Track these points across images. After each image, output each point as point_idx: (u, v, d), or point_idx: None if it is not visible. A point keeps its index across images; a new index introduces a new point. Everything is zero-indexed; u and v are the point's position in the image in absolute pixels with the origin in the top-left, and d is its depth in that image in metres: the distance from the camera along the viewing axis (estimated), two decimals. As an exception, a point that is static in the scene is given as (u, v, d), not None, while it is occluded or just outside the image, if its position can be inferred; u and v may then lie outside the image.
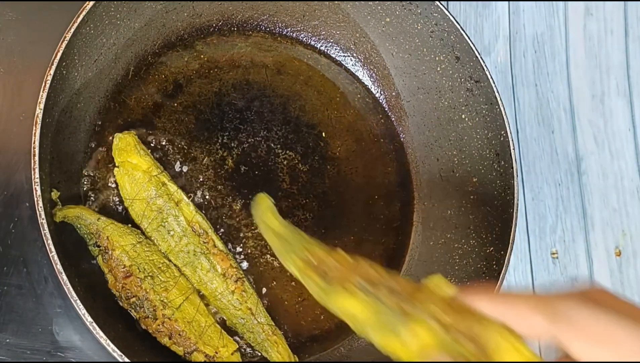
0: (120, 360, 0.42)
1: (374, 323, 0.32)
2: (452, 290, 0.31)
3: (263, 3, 0.59)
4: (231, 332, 0.51)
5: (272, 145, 0.57)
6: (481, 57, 0.54)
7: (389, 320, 0.31)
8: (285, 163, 0.57)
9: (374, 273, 0.34)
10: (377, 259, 0.57)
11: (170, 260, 0.50)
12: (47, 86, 0.44)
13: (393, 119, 0.62)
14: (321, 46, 0.62)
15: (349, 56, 0.62)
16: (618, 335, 0.25)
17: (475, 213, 0.55)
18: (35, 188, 0.43)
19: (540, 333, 0.27)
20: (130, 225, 0.50)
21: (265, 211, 0.44)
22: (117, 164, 0.50)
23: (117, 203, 0.51)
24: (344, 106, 0.61)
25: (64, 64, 0.46)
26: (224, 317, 0.50)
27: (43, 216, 0.42)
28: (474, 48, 0.54)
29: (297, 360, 0.51)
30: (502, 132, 0.53)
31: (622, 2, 0.76)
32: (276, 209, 0.44)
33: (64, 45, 0.45)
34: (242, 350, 0.51)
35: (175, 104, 0.56)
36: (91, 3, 0.46)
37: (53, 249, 0.42)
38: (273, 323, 0.51)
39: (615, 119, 0.73)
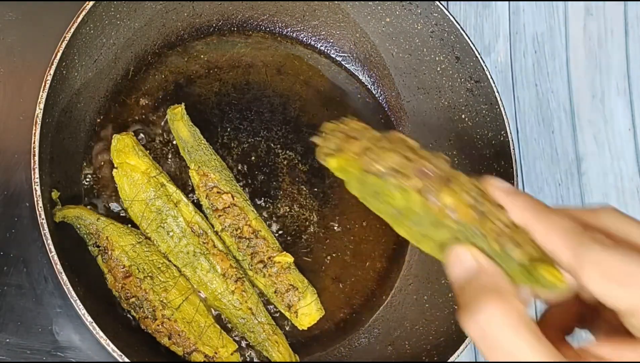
0: (120, 360, 0.42)
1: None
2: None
3: (263, 3, 0.59)
4: (231, 332, 0.51)
5: (272, 145, 0.57)
6: (481, 57, 0.54)
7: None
8: (285, 163, 0.57)
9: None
10: (377, 259, 0.57)
11: (170, 261, 0.50)
12: (47, 86, 0.44)
13: (393, 119, 0.62)
14: (321, 46, 0.62)
15: (349, 56, 0.62)
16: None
17: (475, 213, 0.55)
18: (35, 188, 0.43)
19: (563, 261, 0.29)
20: (129, 225, 0.50)
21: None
22: (115, 166, 0.50)
23: (117, 203, 0.51)
24: (344, 106, 0.61)
25: (64, 64, 0.46)
26: (224, 317, 0.50)
27: (43, 216, 0.42)
28: (474, 48, 0.54)
29: (298, 359, 0.51)
30: (502, 132, 0.53)
31: (622, 2, 0.76)
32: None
33: (64, 45, 0.45)
34: (242, 350, 0.51)
35: (175, 105, 0.56)
36: (91, 3, 0.46)
37: (53, 249, 0.42)
38: (274, 323, 0.51)
39: (615, 119, 0.73)
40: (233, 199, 0.51)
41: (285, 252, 0.52)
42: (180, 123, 0.53)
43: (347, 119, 0.37)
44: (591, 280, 0.28)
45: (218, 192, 0.51)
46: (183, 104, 0.53)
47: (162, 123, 0.55)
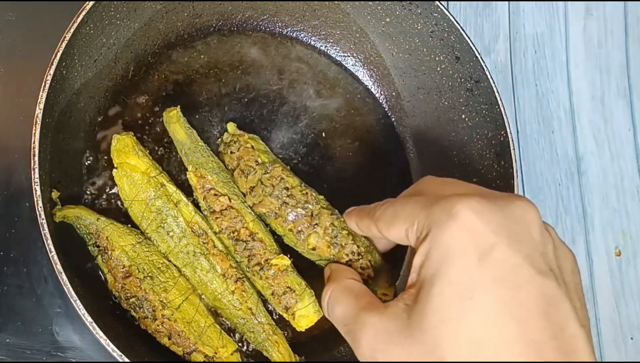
0: (120, 360, 0.42)
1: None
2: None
3: (263, 3, 0.59)
4: (231, 332, 0.51)
5: (272, 145, 0.57)
6: (481, 57, 0.54)
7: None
8: (285, 163, 0.57)
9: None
10: (377, 259, 0.57)
11: (170, 261, 0.50)
12: (47, 86, 0.44)
13: (393, 119, 0.62)
14: (321, 46, 0.62)
15: (349, 56, 0.62)
16: (399, 218, 0.37)
17: (475, 213, 0.55)
18: (35, 188, 0.43)
19: (375, 234, 0.41)
20: (129, 225, 0.50)
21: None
22: (115, 166, 0.50)
23: (117, 203, 0.51)
24: (344, 106, 0.61)
25: (64, 64, 0.46)
26: (224, 317, 0.50)
27: (43, 216, 0.42)
28: (474, 48, 0.54)
29: (298, 359, 0.51)
30: (502, 132, 0.53)
31: (622, 2, 0.76)
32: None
33: (64, 45, 0.45)
34: (242, 350, 0.51)
35: (175, 105, 0.56)
36: (91, 3, 0.46)
37: (53, 249, 0.42)
38: (274, 323, 0.51)
39: (615, 119, 0.73)
40: (230, 201, 0.51)
41: (282, 255, 0.51)
42: (176, 125, 0.52)
43: (239, 135, 0.52)
44: (383, 231, 0.39)
45: (215, 194, 0.51)
46: (179, 106, 0.53)
47: (162, 123, 0.55)
